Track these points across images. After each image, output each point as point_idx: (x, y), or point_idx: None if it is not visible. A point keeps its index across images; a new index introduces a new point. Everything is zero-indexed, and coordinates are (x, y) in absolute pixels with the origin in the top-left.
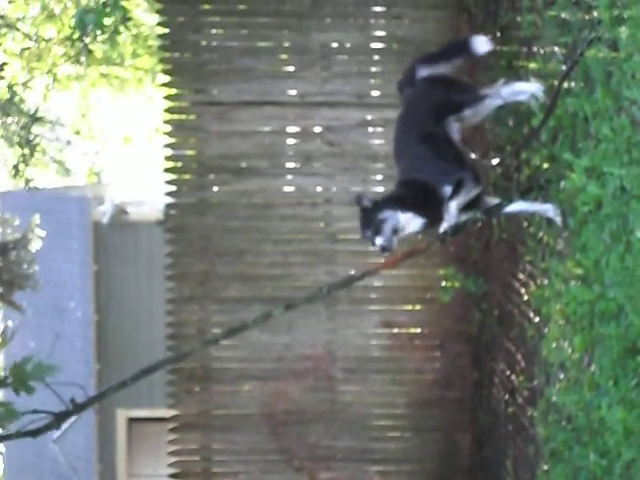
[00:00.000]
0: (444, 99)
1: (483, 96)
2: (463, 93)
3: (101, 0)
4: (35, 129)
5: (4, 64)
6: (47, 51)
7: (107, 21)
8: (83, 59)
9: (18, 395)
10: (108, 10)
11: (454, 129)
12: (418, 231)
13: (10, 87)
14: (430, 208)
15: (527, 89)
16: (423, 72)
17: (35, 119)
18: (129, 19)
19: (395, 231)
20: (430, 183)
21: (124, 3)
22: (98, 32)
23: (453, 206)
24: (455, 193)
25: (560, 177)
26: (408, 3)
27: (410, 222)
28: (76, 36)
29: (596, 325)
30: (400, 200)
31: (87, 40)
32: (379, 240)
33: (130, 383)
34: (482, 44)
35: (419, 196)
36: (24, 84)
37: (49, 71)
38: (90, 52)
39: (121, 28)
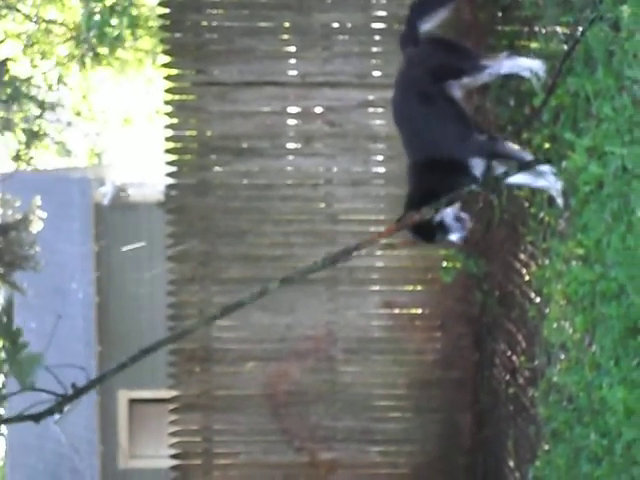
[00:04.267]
0: (444, 63)
1: (483, 66)
2: (464, 60)
3: (108, 4)
4: (36, 111)
5: (7, 60)
6: (48, 37)
7: (112, 27)
8: (88, 60)
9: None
10: (113, 18)
11: (455, 87)
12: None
13: (14, 77)
14: (453, 184)
15: (529, 65)
16: (425, 26)
17: (44, 108)
18: (136, 25)
19: (459, 219)
20: (452, 158)
21: (133, 10)
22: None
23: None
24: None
25: (561, 157)
26: None
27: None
28: (82, 37)
29: (597, 305)
30: (428, 193)
31: (92, 41)
32: (454, 235)
33: (130, 364)
34: None
35: (440, 178)
36: (28, 79)
37: (58, 64)
38: (97, 55)
39: (126, 34)
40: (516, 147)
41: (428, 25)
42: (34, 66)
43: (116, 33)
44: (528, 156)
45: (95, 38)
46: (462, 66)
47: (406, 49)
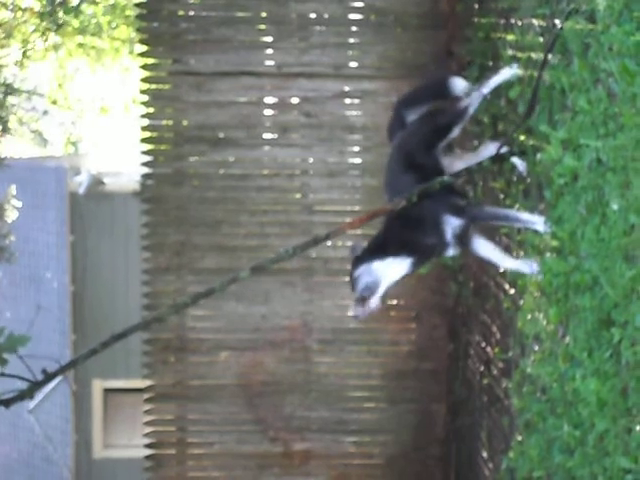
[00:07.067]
0: (432, 126)
1: (466, 107)
2: (447, 113)
3: None
4: (11, 99)
5: None
6: (22, 22)
7: None
8: (53, 33)
9: None
10: None
11: (445, 161)
12: (408, 273)
13: None
14: (418, 242)
15: (504, 78)
16: (411, 116)
17: (10, 91)
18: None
19: (368, 289)
20: (425, 213)
21: None
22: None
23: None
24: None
25: (536, 149)
26: None
27: (391, 267)
28: (46, 9)
29: (571, 297)
30: (380, 245)
31: (57, 13)
32: (353, 306)
33: (100, 349)
34: (460, 85)
35: (406, 231)
36: None
37: (24, 41)
38: (60, 26)
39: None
40: (497, 210)
41: (415, 116)
42: (1, 46)
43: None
44: (510, 213)
45: (58, 9)
46: (448, 120)
47: (394, 134)
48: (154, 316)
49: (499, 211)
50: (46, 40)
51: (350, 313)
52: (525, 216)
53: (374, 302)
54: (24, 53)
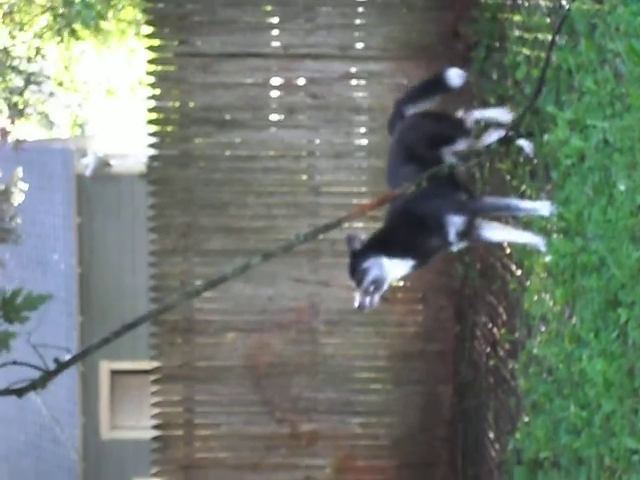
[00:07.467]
0: (438, 130)
1: (470, 130)
2: (454, 128)
3: None
4: (20, 82)
5: None
6: (33, 17)
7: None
8: (64, 34)
9: (11, 324)
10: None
11: (447, 156)
12: (406, 274)
13: None
14: (422, 245)
15: (495, 117)
16: (410, 111)
17: (28, 80)
18: (113, 5)
19: (376, 282)
20: (428, 214)
21: None
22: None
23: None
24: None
25: (543, 130)
26: None
27: (396, 268)
28: (59, 11)
29: (577, 278)
30: (387, 242)
31: (68, 17)
32: (357, 297)
33: (113, 339)
34: (456, 77)
35: (410, 234)
36: (6, 49)
37: (35, 35)
38: (73, 31)
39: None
40: (498, 201)
41: (413, 110)
42: (12, 37)
43: (93, 13)
44: (511, 202)
45: (73, 15)
46: (454, 133)
47: (394, 128)
48: (165, 305)
49: (500, 202)
50: (60, 40)
51: (355, 304)
52: (527, 204)
53: (377, 296)
54: (37, 50)
